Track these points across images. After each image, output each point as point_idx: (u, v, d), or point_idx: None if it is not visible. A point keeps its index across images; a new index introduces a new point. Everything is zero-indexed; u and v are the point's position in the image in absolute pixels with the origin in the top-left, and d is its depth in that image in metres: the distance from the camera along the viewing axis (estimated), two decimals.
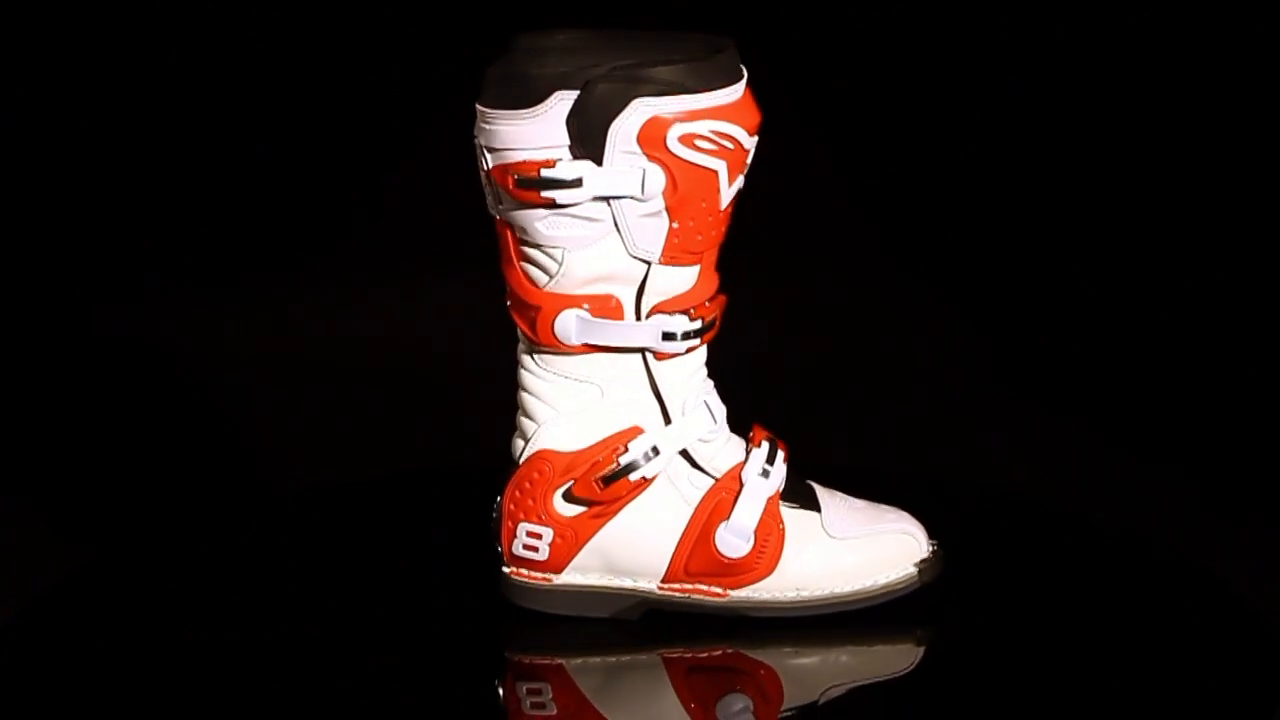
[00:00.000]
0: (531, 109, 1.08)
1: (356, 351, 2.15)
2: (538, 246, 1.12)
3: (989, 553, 1.27)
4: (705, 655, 1.15)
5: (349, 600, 1.21)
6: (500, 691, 1.12)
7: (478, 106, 1.11)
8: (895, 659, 1.16)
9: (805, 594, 1.16)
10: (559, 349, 1.14)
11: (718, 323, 1.16)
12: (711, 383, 1.18)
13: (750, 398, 1.26)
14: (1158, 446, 2.01)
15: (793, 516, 1.16)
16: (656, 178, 1.09)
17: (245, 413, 2.08)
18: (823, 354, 2.14)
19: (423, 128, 2.06)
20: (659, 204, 1.10)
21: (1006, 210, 2.21)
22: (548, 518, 1.15)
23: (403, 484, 1.47)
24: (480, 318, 1.57)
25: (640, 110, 1.07)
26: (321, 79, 2.17)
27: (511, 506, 1.16)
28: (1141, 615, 1.19)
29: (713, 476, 1.16)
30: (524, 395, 1.16)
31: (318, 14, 2.16)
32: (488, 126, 1.10)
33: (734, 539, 1.14)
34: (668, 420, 1.15)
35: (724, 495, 1.15)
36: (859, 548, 1.16)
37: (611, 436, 1.14)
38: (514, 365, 1.17)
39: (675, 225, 1.11)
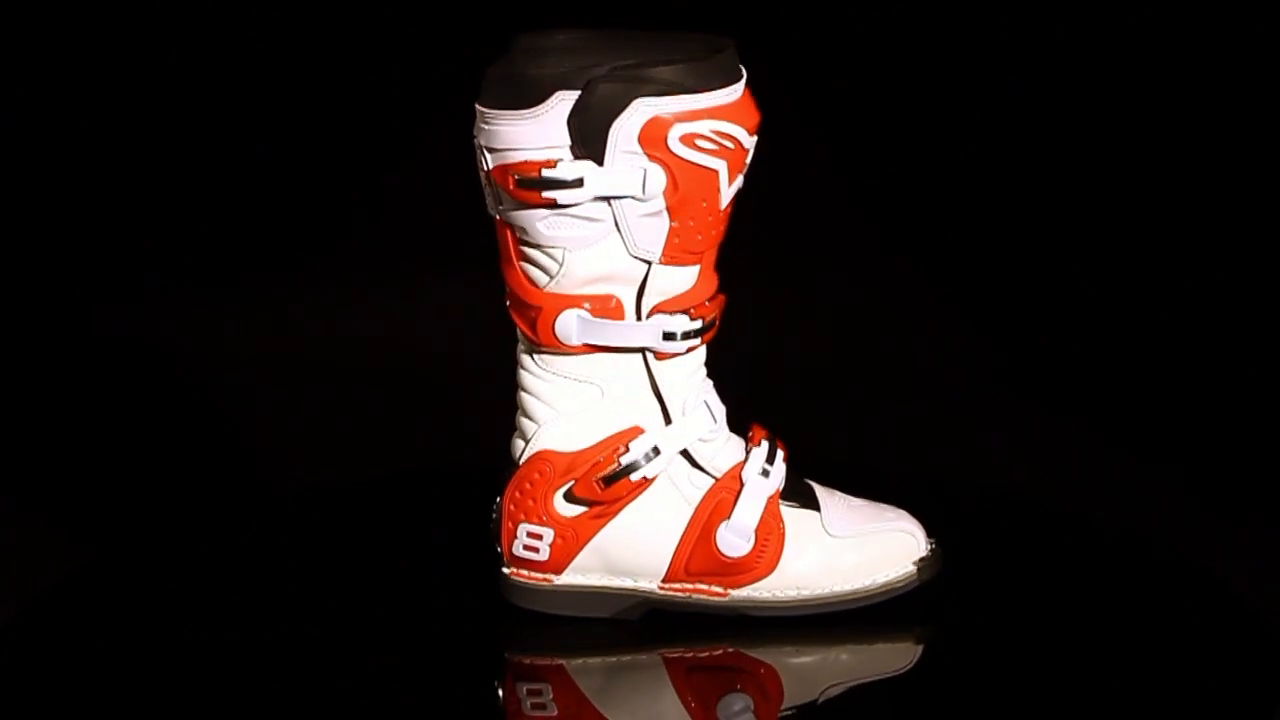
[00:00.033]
0: (532, 109, 1.08)
1: (356, 351, 2.15)
2: (538, 247, 1.12)
3: (989, 553, 1.27)
4: (706, 655, 1.15)
5: (349, 600, 1.21)
6: (500, 692, 1.12)
7: (478, 107, 1.11)
8: (895, 658, 1.16)
9: (805, 593, 1.16)
10: (559, 349, 1.14)
11: (717, 322, 1.16)
12: (711, 382, 1.18)
13: (750, 398, 1.26)
14: (1158, 446, 2.01)
15: (793, 516, 1.16)
16: (657, 177, 1.09)
17: (245, 413, 2.08)
18: (823, 354, 2.14)
19: (423, 128, 2.06)
20: (660, 204, 1.10)
21: (1006, 210, 2.21)
22: (548, 518, 1.15)
23: (403, 484, 1.46)
24: (480, 318, 1.57)
25: (641, 110, 1.07)
26: (321, 79, 2.17)
27: (511, 507, 1.16)
28: (1141, 615, 1.19)
29: (713, 476, 1.16)
30: (524, 395, 1.16)
31: (318, 14, 2.16)
32: (488, 127, 1.10)
33: (735, 538, 1.14)
34: (668, 420, 1.15)
35: (724, 495, 1.15)
36: (859, 546, 1.16)
37: (612, 436, 1.14)
38: (514, 365, 1.17)
39: (675, 225, 1.11)
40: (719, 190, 1.11)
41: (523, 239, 1.12)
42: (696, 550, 1.15)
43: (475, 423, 1.49)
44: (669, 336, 1.13)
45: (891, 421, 2.05)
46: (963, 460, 1.94)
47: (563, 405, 1.15)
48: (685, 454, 1.16)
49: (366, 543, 1.30)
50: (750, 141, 1.12)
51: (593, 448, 1.14)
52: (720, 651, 1.15)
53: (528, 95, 1.08)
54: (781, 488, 1.17)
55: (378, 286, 2.19)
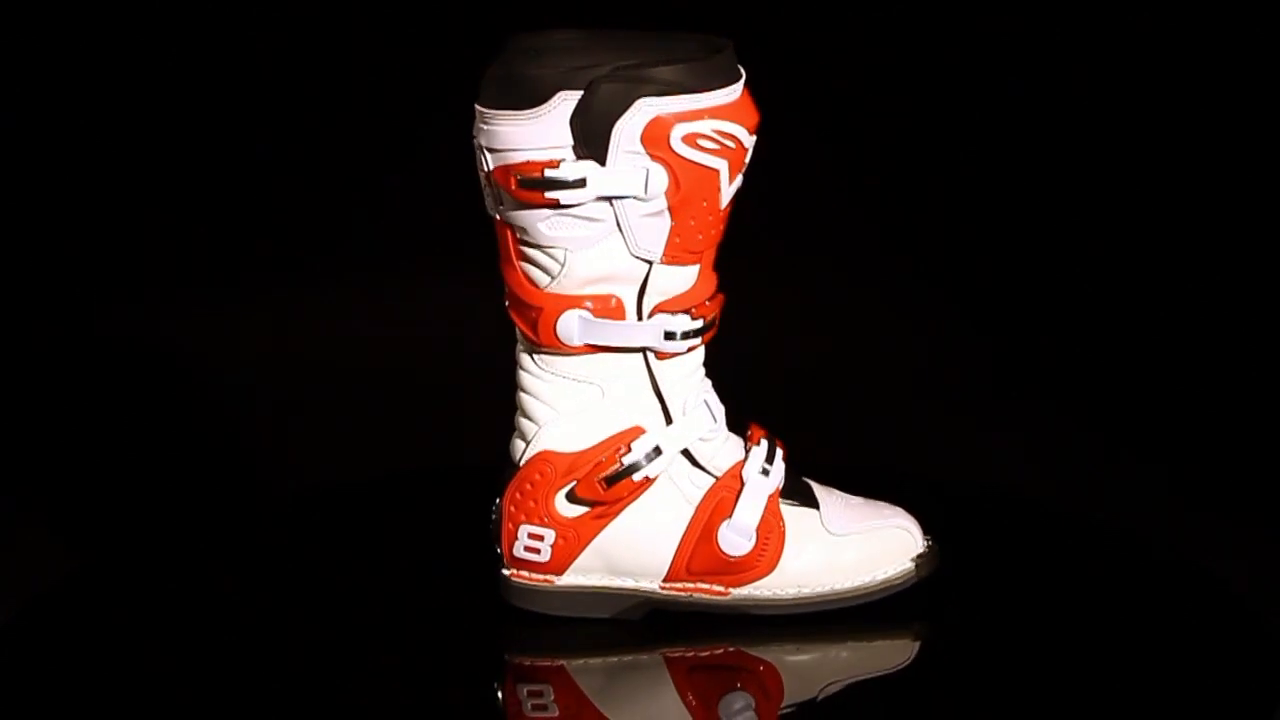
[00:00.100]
0: (534, 109, 1.08)
1: (356, 351, 2.15)
2: (539, 247, 1.12)
3: (989, 553, 1.27)
4: (706, 654, 1.15)
5: (349, 600, 1.21)
6: (501, 694, 1.12)
7: (477, 107, 1.11)
8: (895, 656, 1.16)
9: (806, 591, 1.16)
10: (560, 349, 1.14)
11: (717, 322, 1.16)
12: (709, 382, 1.18)
13: (750, 398, 1.26)
14: (1158, 447, 2.01)
15: (793, 514, 1.16)
16: (659, 177, 1.09)
17: (245, 413, 2.08)
18: (823, 354, 2.14)
19: (423, 128, 2.06)
20: (661, 204, 1.10)
21: (1006, 210, 2.21)
22: (549, 519, 1.15)
23: (403, 484, 1.47)
24: (480, 318, 1.57)
25: (644, 110, 1.07)
26: (321, 79, 2.17)
27: (512, 508, 1.16)
28: (1141, 615, 1.19)
29: (713, 475, 1.16)
30: (523, 396, 1.16)
31: (318, 14, 2.16)
32: (488, 127, 1.10)
33: (736, 537, 1.15)
34: (669, 420, 1.15)
35: (725, 494, 1.15)
36: (858, 544, 1.17)
37: (613, 437, 1.14)
38: (513, 366, 1.17)
39: (676, 224, 1.11)
40: (720, 190, 1.11)
41: (523, 239, 1.12)
42: (698, 550, 1.15)
43: (475, 423, 1.49)
44: (670, 336, 1.13)
45: (891, 421, 2.05)
46: (963, 460, 1.94)
47: (563, 405, 1.15)
48: (686, 453, 1.16)
49: (366, 543, 1.30)
50: (750, 141, 1.12)
51: (594, 448, 1.14)
52: (721, 650, 1.15)
53: (529, 95, 1.08)
54: (781, 486, 1.17)
55: (378, 286, 2.19)
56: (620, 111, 1.07)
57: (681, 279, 1.13)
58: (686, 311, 1.13)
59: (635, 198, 1.09)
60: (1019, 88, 2.18)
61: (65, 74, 2.17)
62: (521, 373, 1.16)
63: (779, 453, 1.18)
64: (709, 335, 1.16)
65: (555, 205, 1.09)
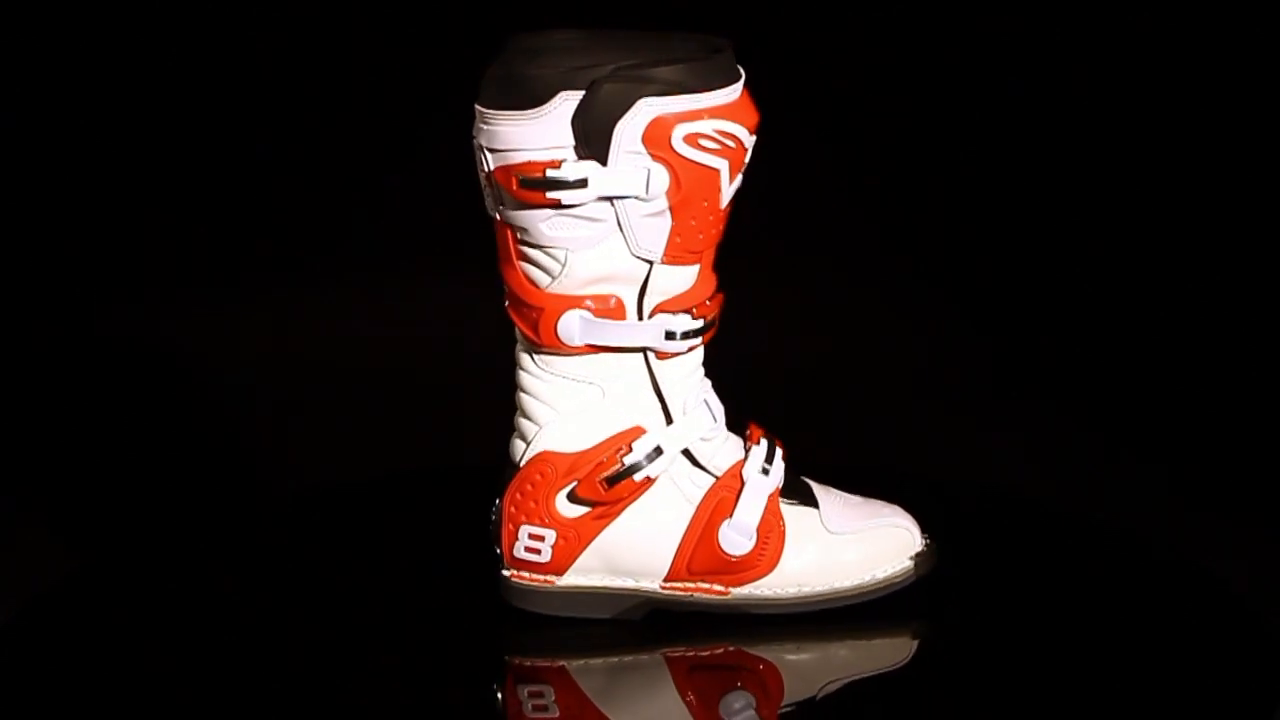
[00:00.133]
0: (535, 110, 1.08)
1: (356, 351, 2.15)
2: (540, 247, 1.12)
3: (989, 553, 1.27)
4: (707, 653, 1.15)
5: (349, 600, 1.21)
6: (502, 695, 1.12)
7: (477, 107, 1.11)
8: (894, 654, 1.16)
9: (806, 590, 1.16)
10: (560, 350, 1.13)
11: (717, 322, 1.16)
12: (709, 381, 1.18)
13: (750, 398, 1.26)
14: (1158, 447, 2.01)
15: (792, 513, 1.16)
16: (661, 177, 1.09)
17: (245, 413, 2.08)
18: (823, 354, 2.14)
19: (423, 128, 2.06)
20: (662, 203, 1.10)
21: (1006, 210, 2.21)
22: (550, 520, 1.15)
23: (403, 484, 1.46)
24: (480, 318, 1.57)
25: (645, 110, 1.07)
26: (321, 79, 2.17)
27: (512, 509, 1.16)
28: (1141, 615, 1.19)
29: (714, 475, 1.16)
30: (523, 396, 1.16)
31: (318, 14, 2.16)
32: (489, 127, 1.10)
33: (737, 536, 1.15)
34: (669, 419, 1.15)
35: (725, 493, 1.15)
36: (857, 543, 1.17)
37: (614, 437, 1.14)
38: (513, 366, 1.17)
39: (677, 224, 1.11)
40: (720, 189, 1.11)
41: (524, 239, 1.12)
42: (699, 549, 1.15)
43: (475, 423, 1.49)
44: (671, 336, 1.13)
45: (891, 421, 2.05)
46: (963, 460, 1.94)
47: (563, 406, 1.15)
48: (686, 453, 1.16)
49: (366, 543, 1.30)
50: (750, 140, 1.12)
51: (595, 448, 1.14)
52: (721, 650, 1.15)
53: (530, 96, 1.08)
54: (781, 485, 1.17)
55: (378, 286, 2.19)
56: (622, 111, 1.07)
57: (682, 279, 1.13)
58: (687, 311, 1.13)
59: (636, 198, 1.09)
60: (1019, 88, 2.19)
61: (65, 74, 2.17)
62: (521, 373, 1.16)
63: (778, 452, 1.18)
64: (709, 335, 1.16)
65: (557, 205, 1.09)
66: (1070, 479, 1.92)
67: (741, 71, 1.12)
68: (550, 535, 1.15)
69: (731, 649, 1.15)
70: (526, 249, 1.12)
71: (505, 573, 1.17)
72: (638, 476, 1.14)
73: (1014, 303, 2.20)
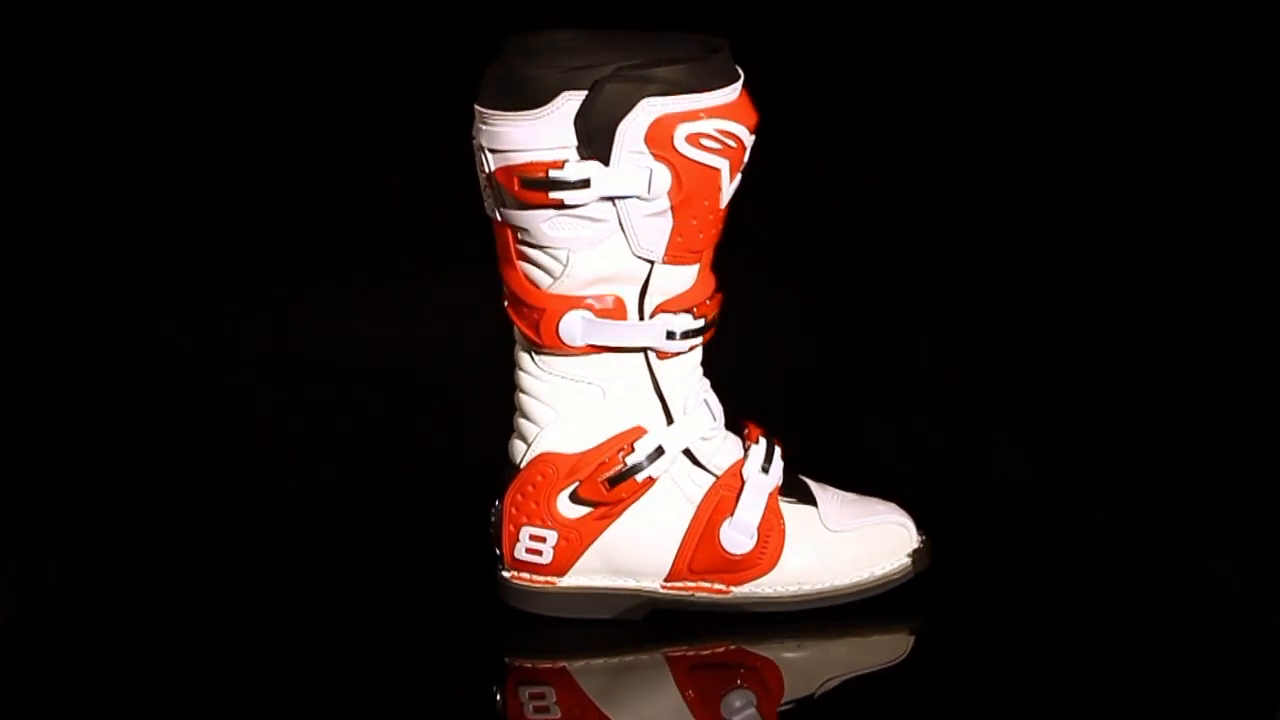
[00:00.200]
0: (537, 110, 1.08)
1: (356, 351, 2.15)
2: (541, 248, 1.12)
3: (989, 553, 1.27)
4: (707, 653, 1.15)
5: (349, 600, 1.21)
6: (502, 696, 1.12)
7: (478, 108, 1.11)
8: (893, 652, 1.16)
9: (806, 588, 1.16)
10: (561, 350, 1.13)
11: (717, 321, 1.16)
12: (708, 381, 1.18)
13: (749, 398, 1.26)
14: (1158, 447, 2.01)
15: (792, 512, 1.16)
16: (663, 177, 1.09)
17: (245, 413, 2.08)
18: (823, 354, 2.14)
19: (423, 128, 2.06)
20: (664, 203, 1.10)
21: (1006, 210, 2.21)
22: (552, 521, 1.15)
23: (403, 484, 1.46)
24: (480, 318, 1.57)
25: (647, 110, 1.07)
26: (321, 79, 2.17)
27: (513, 510, 1.15)
28: (1141, 615, 1.19)
29: (714, 474, 1.16)
30: (523, 397, 1.16)
31: (318, 14, 2.16)
32: (490, 128, 1.10)
33: (738, 535, 1.15)
34: (670, 419, 1.15)
35: (726, 493, 1.15)
36: (855, 540, 1.17)
37: (615, 437, 1.14)
38: (512, 366, 1.17)
39: (678, 224, 1.11)
40: (720, 189, 1.11)
41: (525, 240, 1.12)
42: (699, 548, 1.15)
43: (475, 423, 1.49)
44: (671, 335, 1.13)
45: (891, 421, 2.05)
46: (963, 460, 1.94)
47: (563, 406, 1.15)
48: (687, 452, 1.16)
49: (366, 543, 1.30)
50: (750, 140, 1.12)
51: (596, 449, 1.14)
52: (722, 649, 1.15)
53: (531, 96, 1.08)
54: (780, 484, 1.17)
55: (378, 286, 2.19)
56: (625, 111, 1.07)
57: (682, 278, 1.13)
58: (688, 311, 1.13)
59: (638, 198, 1.09)
60: (1019, 88, 2.19)
61: (65, 74, 2.17)
62: (521, 374, 1.16)
63: (777, 450, 1.18)
64: (709, 334, 1.16)
65: (559, 206, 1.09)
66: (1070, 479, 1.92)
67: (740, 71, 1.12)
68: (552, 536, 1.15)
69: (731, 648, 1.15)
70: (527, 249, 1.12)
71: (505, 573, 1.17)
72: (640, 477, 1.14)
73: (1014, 303, 2.20)
